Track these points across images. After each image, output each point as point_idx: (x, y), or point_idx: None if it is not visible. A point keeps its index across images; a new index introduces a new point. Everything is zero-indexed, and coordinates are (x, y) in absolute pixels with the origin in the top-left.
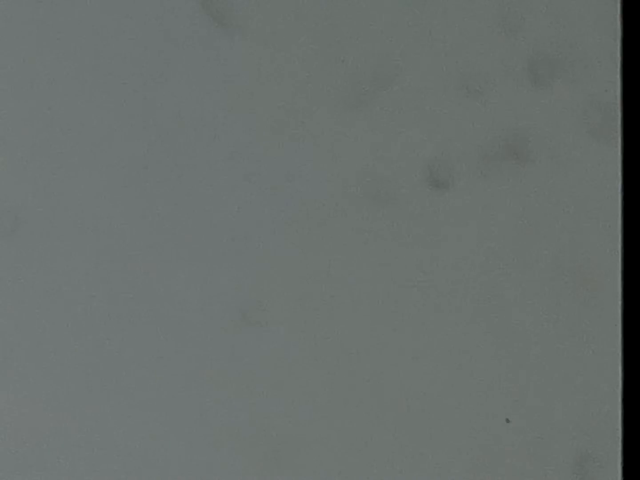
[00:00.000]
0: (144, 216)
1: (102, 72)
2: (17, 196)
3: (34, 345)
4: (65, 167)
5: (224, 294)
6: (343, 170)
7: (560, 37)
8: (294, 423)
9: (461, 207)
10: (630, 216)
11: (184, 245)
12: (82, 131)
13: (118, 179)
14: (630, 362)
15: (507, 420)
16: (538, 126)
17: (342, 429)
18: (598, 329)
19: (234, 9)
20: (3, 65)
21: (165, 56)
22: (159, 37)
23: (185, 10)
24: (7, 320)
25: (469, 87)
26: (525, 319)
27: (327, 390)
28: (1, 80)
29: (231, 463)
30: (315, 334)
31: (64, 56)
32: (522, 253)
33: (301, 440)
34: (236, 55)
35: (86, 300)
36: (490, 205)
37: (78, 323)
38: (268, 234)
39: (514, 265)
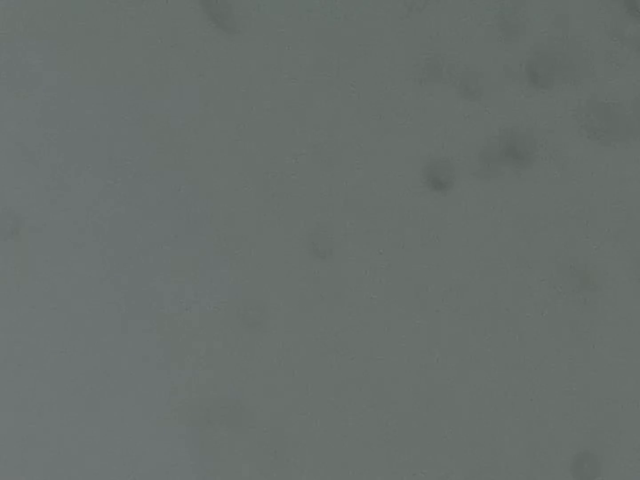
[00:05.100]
0: (144, 217)
1: (102, 73)
2: (18, 197)
3: (35, 347)
4: (66, 168)
5: (223, 294)
6: (343, 170)
7: (560, 37)
8: (295, 424)
9: (461, 207)
10: None
11: (184, 246)
12: (83, 132)
13: (119, 179)
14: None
15: None
16: (538, 126)
17: (342, 430)
18: (598, 329)
19: (234, 11)
20: (3, 65)
21: (165, 57)
22: (159, 37)
23: (185, 11)
24: (8, 320)
25: (469, 87)
26: (525, 319)
27: (328, 391)
28: (1, 80)
29: (232, 464)
30: (316, 336)
31: (64, 56)
32: (523, 253)
33: (303, 441)
34: (236, 57)
35: (86, 301)
36: (491, 206)
37: (78, 324)
38: (268, 235)
39: (514, 265)
